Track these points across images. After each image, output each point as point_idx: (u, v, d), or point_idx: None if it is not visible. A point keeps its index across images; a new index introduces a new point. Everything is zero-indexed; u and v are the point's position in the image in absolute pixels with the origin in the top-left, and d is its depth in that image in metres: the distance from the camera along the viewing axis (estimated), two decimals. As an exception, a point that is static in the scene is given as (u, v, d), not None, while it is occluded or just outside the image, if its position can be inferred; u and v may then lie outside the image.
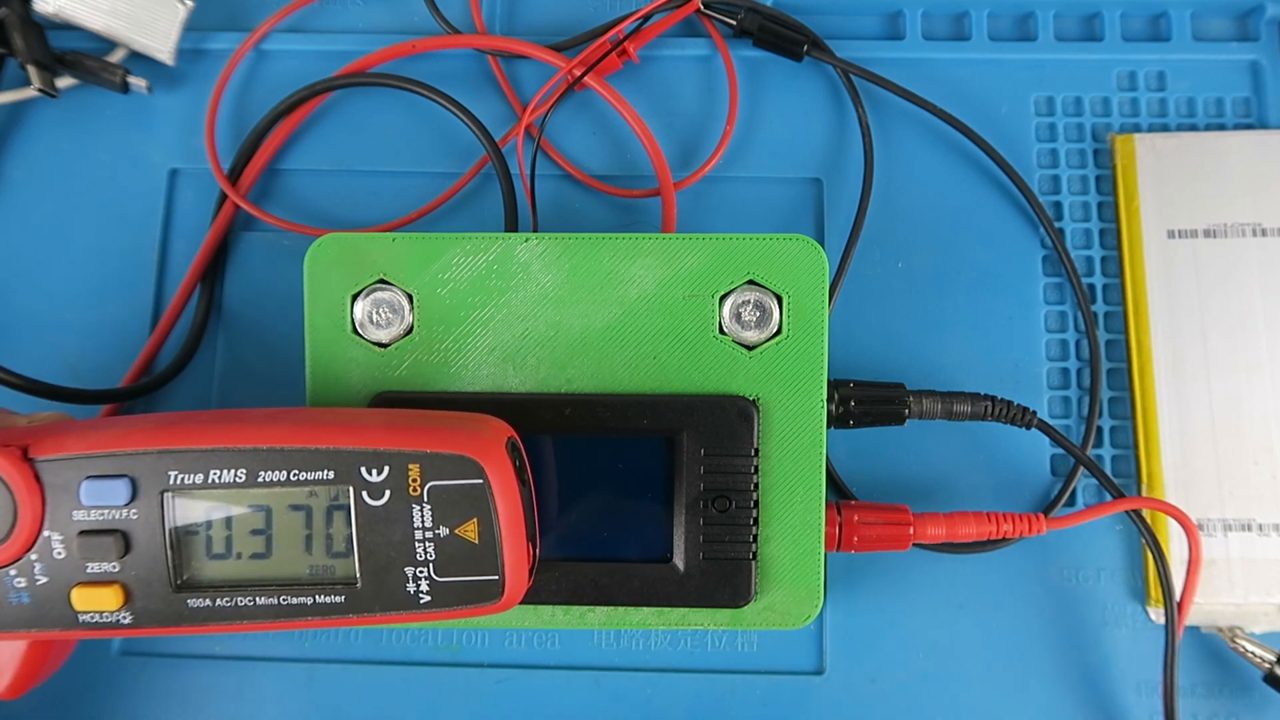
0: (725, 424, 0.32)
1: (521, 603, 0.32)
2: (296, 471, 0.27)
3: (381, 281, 0.32)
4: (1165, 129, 0.41)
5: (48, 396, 0.35)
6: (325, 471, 0.27)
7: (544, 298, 0.32)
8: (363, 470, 0.27)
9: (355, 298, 0.32)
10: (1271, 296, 0.38)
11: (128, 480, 0.27)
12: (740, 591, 0.32)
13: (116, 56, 0.41)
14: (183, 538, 0.27)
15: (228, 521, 0.27)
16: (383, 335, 0.32)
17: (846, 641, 0.37)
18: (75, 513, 0.27)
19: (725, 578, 0.32)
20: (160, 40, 0.40)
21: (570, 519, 0.32)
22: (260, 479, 0.27)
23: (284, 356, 0.39)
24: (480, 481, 0.27)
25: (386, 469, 0.27)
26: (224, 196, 0.40)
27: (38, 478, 0.27)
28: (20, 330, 0.39)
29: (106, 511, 0.27)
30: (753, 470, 0.32)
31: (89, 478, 0.27)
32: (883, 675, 0.37)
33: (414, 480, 0.27)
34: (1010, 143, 0.40)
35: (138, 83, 0.40)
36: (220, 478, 0.27)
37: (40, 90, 0.39)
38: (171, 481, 0.27)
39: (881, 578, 0.37)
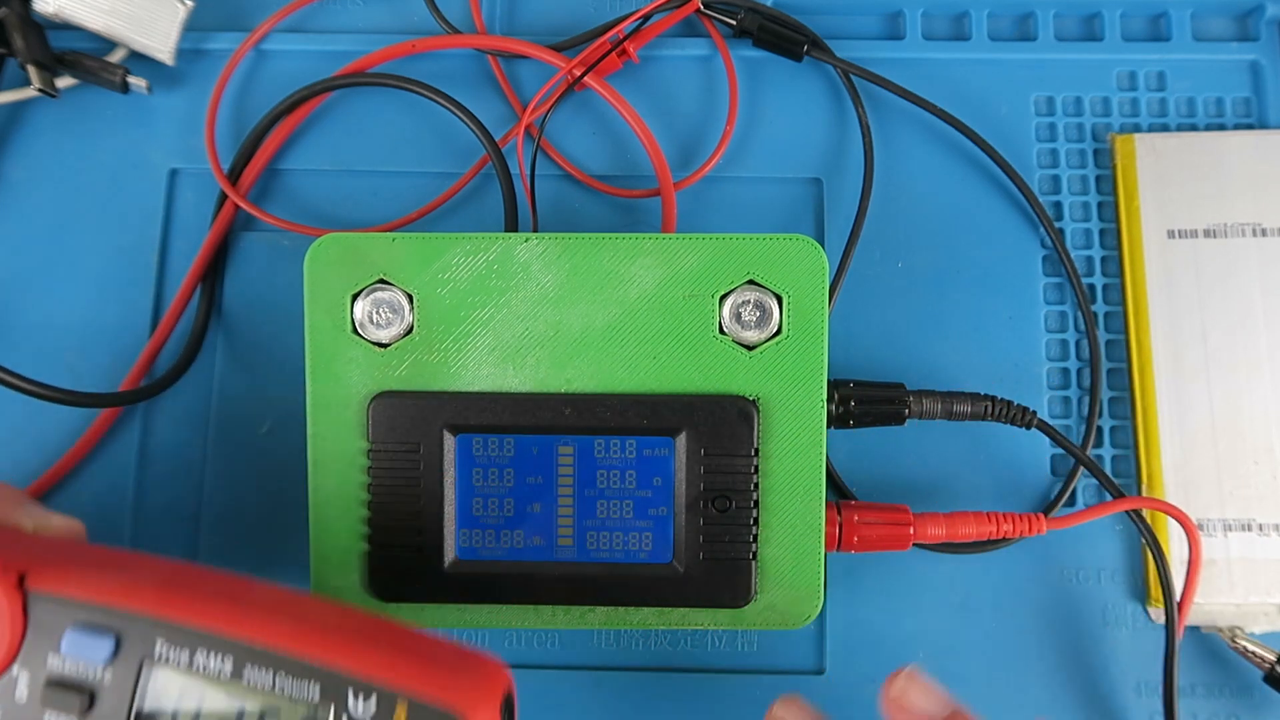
0: (725, 424, 0.32)
1: (521, 602, 0.33)
2: (284, 677, 0.25)
3: (381, 281, 0.32)
4: (1165, 129, 0.41)
5: (49, 399, 0.35)
6: (312, 686, 0.25)
7: (544, 298, 0.32)
8: (350, 695, 0.25)
9: (355, 298, 0.32)
10: (1271, 296, 0.38)
11: (112, 638, 0.25)
12: (740, 591, 0.32)
13: (116, 56, 0.41)
14: (146, 718, 0.25)
15: (197, 714, 0.25)
16: (383, 335, 0.32)
17: (846, 641, 0.37)
18: (51, 657, 0.25)
19: (725, 578, 0.32)
20: (160, 40, 0.40)
21: (570, 519, 0.32)
22: (245, 677, 0.25)
23: (284, 356, 0.39)
24: None
25: (374, 701, 0.25)
26: (224, 196, 0.40)
27: (25, 610, 0.25)
28: (20, 330, 0.39)
29: (82, 666, 0.25)
30: (753, 470, 0.32)
31: (75, 625, 0.25)
32: (883, 675, 0.36)
33: None
34: (1010, 143, 0.40)
35: (138, 83, 0.40)
36: (205, 664, 0.25)
37: (40, 90, 0.39)
38: (156, 651, 0.25)
39: (881, 578, 0.37)
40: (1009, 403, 0.35)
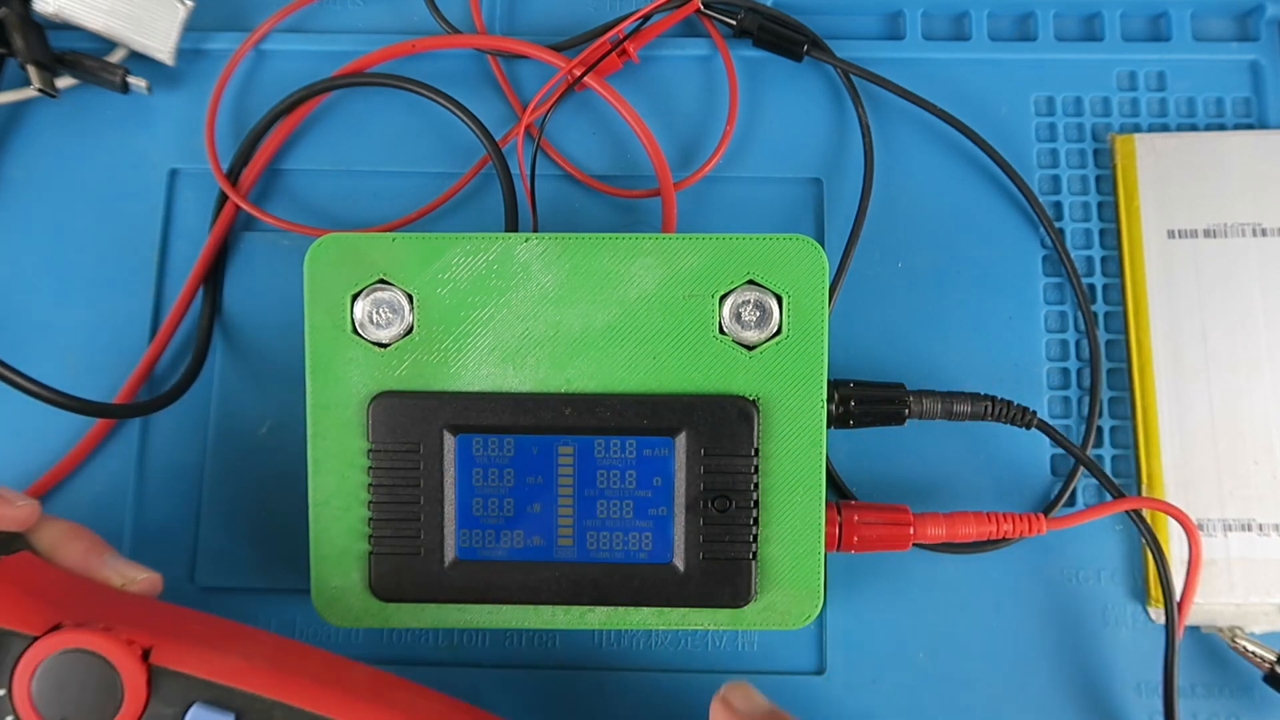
0: (725, 424, 0.32)
1: (521, 602, 0.33)
2: None
3: (381, 281, 0.32)
4: (1165, 129, 0.41)
5: (55, 404, 0.34)
6: None
7: (544, 298, 0.32)
8: None
9: (355, 298, 0.32)
10: (1271, 296, 0.38)
11: (233, 717, 0.26)
12: (740, 591, 0.32)
13: (116, 56, 0.41)
14: None
15: None
16: (383, 335, 0.32)
17: (846, 641, 0.37)
18: None
19: (725, 578, 0.32)
20: (160, 40, 0.40)
21: (570, 519, 0.32)
22: None
23: (284, 356, 0.38)
24: None
25: None
26: (224, 196, 0.40)
27: (149, 683, 0.26)
28: (20, 330, 0.39)
29: None
30: (753, 470, 0.32)
31: (198, 703, 0.26)
32: (883, 675, 0.37)
33: None
34: (1010, 143, 0.40)
35: (138, 83, 0.40)
36: None
37: (40, 90, 0.39)
38: None
39: (881, 578, 0.37)
40: (1009, 403, 0.35)
